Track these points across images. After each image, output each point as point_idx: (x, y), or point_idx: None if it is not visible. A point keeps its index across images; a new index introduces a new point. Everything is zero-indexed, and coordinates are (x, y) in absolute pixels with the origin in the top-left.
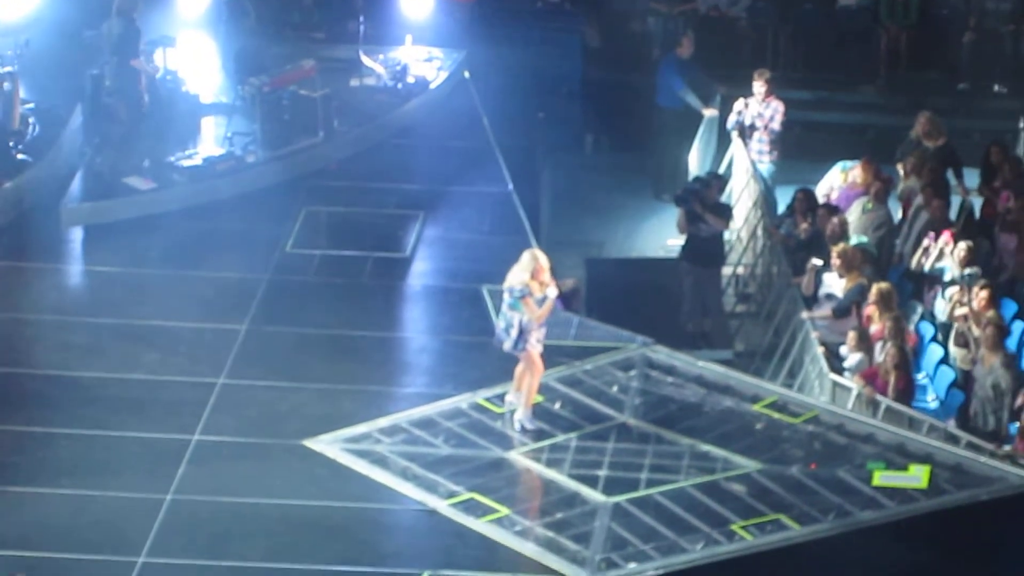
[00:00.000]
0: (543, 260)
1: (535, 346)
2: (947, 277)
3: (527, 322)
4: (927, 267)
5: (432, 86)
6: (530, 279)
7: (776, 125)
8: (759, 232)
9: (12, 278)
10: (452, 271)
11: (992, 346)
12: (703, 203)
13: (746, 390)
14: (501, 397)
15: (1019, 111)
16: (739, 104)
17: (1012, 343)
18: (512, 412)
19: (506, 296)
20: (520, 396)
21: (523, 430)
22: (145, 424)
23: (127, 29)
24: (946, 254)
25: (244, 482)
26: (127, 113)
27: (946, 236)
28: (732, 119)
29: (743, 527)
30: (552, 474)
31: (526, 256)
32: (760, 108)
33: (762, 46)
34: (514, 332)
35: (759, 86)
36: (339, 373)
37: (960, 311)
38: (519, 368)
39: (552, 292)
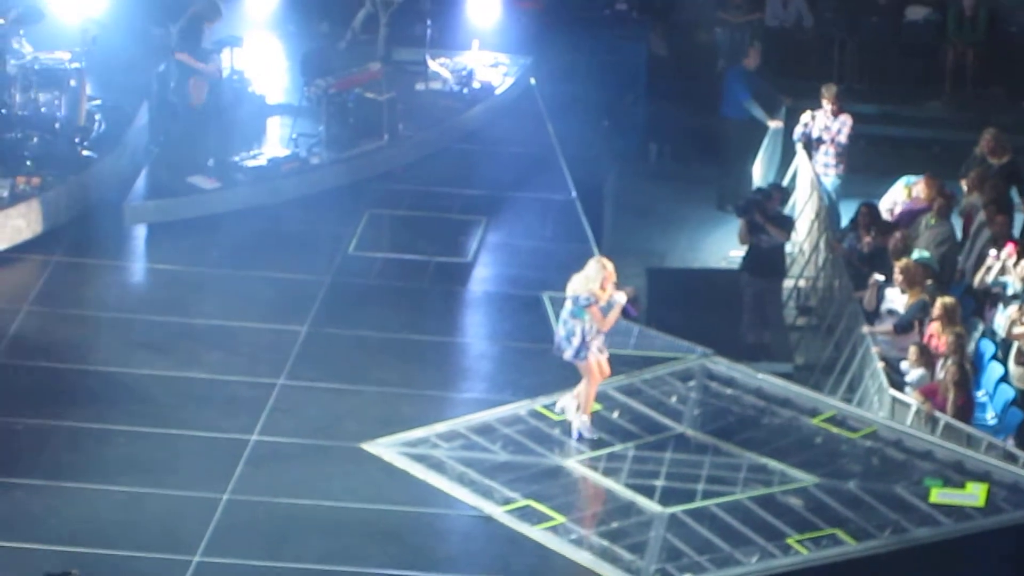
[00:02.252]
0: (610, 268)
1: (595, 355)
2: (1009, 292)
3: (589, 330)
4: (989, 280)
5: (497, 92)
6: (598, 288)
7: (843, 139)
8: (821, 245)
9: (76, 274)
10: (513, 277)
11: None
12: (764, 214)
13: (805, 403)
14: None
15: None
16: (806, 116)
17: None
18: (563, 413)
19: (568, 304)
20: (574, 402)
21: (580, 438)
22: (204, 423)
23: (187, 27)
24: (1008, 268)
25: (301, 484)
26: (179, 110)
27: (1009, 248)
28: (798, 131)
29: (799, 541)
30: (609, 483)
31: (593, 264)
32: (827, 121)
33: (828, 59)
34: (576, 340)
35: (828, 100)
36: (398, 377)
37: (1020, 329)
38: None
39: (620, 297)
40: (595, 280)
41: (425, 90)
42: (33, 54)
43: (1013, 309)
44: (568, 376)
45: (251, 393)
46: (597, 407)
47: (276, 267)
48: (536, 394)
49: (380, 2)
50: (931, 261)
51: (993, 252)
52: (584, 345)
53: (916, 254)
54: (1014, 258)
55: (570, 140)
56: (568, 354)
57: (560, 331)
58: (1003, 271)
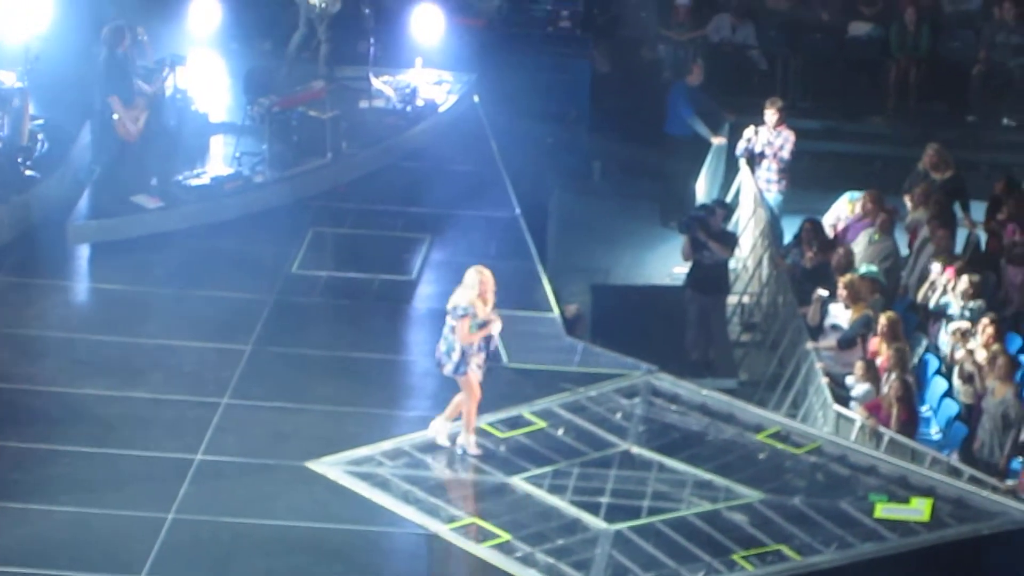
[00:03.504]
0: (488, 277)
1: (475, 371)
2: (951, 311)
3: (468, 345)
4: (932, 303)
5: (441, 109)
6: (476, 297)
7: (786, 154)
8: (765, 261)
9: (18, 294)
10: None
11: (1004, 376)
12: (707, 231)
13: (749, 419)
14: (504, 422)
15: None
16: (749, 132)
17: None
18: (435, 438)
19: (448, 318)
20: (446, 425)
21: (465, 454)
22: (148, 443)
23: (108, 62)
24: (949, 290)
25: (246, 503)
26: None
27: (949, 272)
28: (741, 146)
29: (744, 557)
30: (554, 500)
31: (470, 273)
32: (770, 136)
33: (771, 75)
34: (456, 355)
35: (771, 114)
36: (343, 395)
37: (965, 345)
38: (457, 396)
39: (495, 328)
40: (472, 288)
41: (368, 108)
42: None
43: (958, 325)
44: (512, 393)
45: (195, 412)
46: (541, 424)
47: (220, 286)
48: (480, 411)
49: (315, 17)
50: (878, 275)
51: (936, 267)
52: (463, 360)
53: (864, 268)
54: (953, 281)
55: (514, 157)
56: (448, 369)
57: (441, 346)
58: (944, 292)
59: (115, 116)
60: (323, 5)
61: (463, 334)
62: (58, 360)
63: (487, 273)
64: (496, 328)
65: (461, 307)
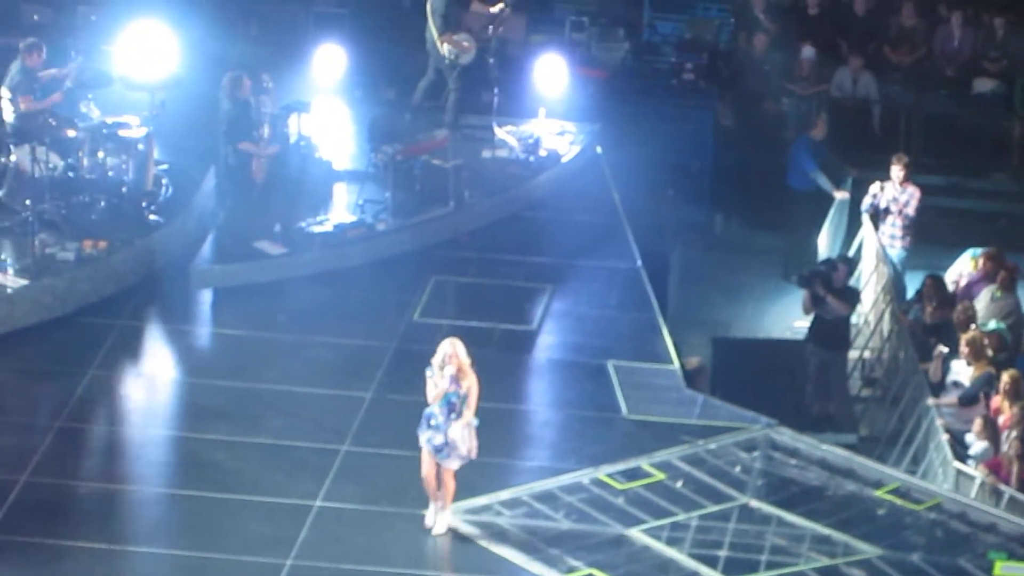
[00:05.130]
0: (457, 350)
1: (424, 444)
2: None
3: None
4: None
5: (564, 160)
6: (436, 366)
7: (911, 211)
8: (887, 316)
9: (141, 338)
10: (578, 345)
11: None
12: (827, 286)
13: (869, 475)
14: (623, 473)
15: None
16: (875, 187)
17: None
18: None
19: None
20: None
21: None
22: (268, 488)
23: (232, 111)
24: None
25: (365, 550)
26: (237, 195)
27: None
28: (867, 202)
29: None
30: (672, 553)
31: (443, 343)
32: (896, 193)
33: (895, 130)
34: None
35: (897, 170)
36: None
37: None
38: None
39: (465, 423)
40: (438, 355)
41: (491, 157)
42: (101, 118)
43: None
44: (632, 445)
45: (315, 459)
46: (660, 476)
47: (341, 333)
48: (599, 462)
49: (445, 66)
50: (1004, 331)
51: None
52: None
53: (993, 324)
54: None
55: (636, 209)
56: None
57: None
58: None
59: (253, 158)
60: (455, 55)
61: (428, 391)
62: (179, 405)
63: (457, 348)
64: (469, 420)
65: (428, 368)
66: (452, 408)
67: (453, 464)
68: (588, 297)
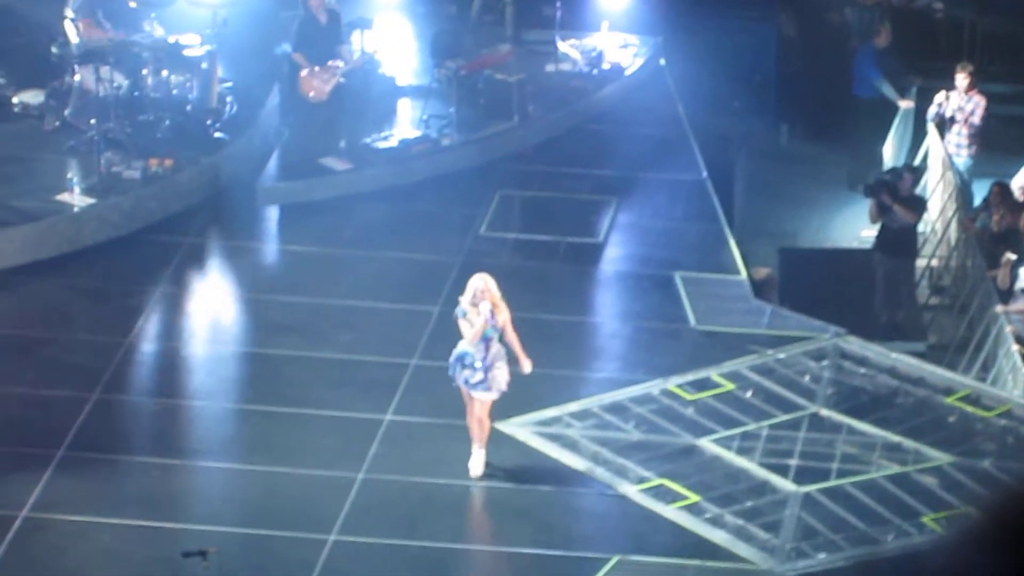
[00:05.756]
0: (488, 285)
1: (461, 384)
2: None
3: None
4: None
5: (627, 72)
6: (467, 303)
7: (977, 119)
8: (954, 225)
9: (208, 255)
10: (645, 257)
11: None
12: (893, 195)
13: (939, 383)
14: (692, 384)
15: None
16: (940, 96)
17: None
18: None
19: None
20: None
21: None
22: (338, 403)
23: (300, 22)
24: None
25: (435, 463)
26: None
27: None
28: (932, 111)
29: (934, 520)
30: (743, 462)
31: (473, 278)
32: (961, 101)
33: (959, 38)
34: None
35: (962, 79)
36: (531, 356)
37: None
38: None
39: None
40: (467, 293)
41: (555, 71)
42: (165, 37)
43: None
44: (700, 356)
45: (385, 373)
46: (730, 386)
47: (408, 248)
48: (668, 373)
49: None
50: None
51: None
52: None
53: None
54: None
55: (700, 121)
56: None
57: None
58: None
59: (301, 73)
60: None
61: (464, 331)
62: (248, 321)
63: (489, 283)
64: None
65: (459, 309)
66: (488, 344)
67: (492, 396)
68: (654, 209)
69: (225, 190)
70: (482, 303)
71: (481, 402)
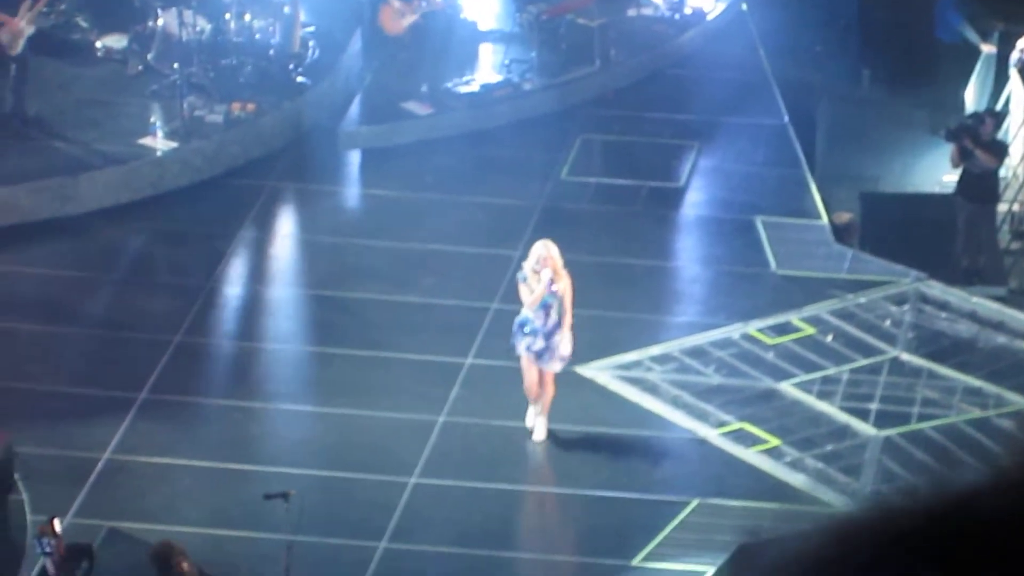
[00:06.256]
0: (551, 252)
1: (523, 352)
2: None
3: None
4: None
5: (709, 17)
6: (530, 269)
7: None
8: None
9: (290, 199)
10: (726, 202)
11: None
12: (975, 139)
13: (1020, 327)
14: (773, 328)
15: None
16: (1022, 42)
17: None
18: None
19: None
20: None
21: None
22: (419, 346)
23: None
24: None
25: (515, 407)
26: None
27: None
28: (1015, 56)
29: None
30: (823, 406)
31: (536, 245)
32: None
33: None
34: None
35: None
36: (611, 300)
37: None
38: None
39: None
40: (530, 258)
41: (636, 16)
42: None
43: None
44: (781, 300)
45: (466, 317)
46: (810, 331)
47: (489, 192)
48: (749, 318)
49: None
50: None
51: None
52: (516, 335)
53: None
54: None
55: (782, 65)
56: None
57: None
58: None
59: (383, 6)
60: None
61: (523, 296)
62: (330, 264)
63: (551, 250)
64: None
65: (521, 274)
66: (548, 311)
67: (556, 367)
68: (735, 154)
69: (307, 134)
70: (544, 270)
71: (545, 372)
